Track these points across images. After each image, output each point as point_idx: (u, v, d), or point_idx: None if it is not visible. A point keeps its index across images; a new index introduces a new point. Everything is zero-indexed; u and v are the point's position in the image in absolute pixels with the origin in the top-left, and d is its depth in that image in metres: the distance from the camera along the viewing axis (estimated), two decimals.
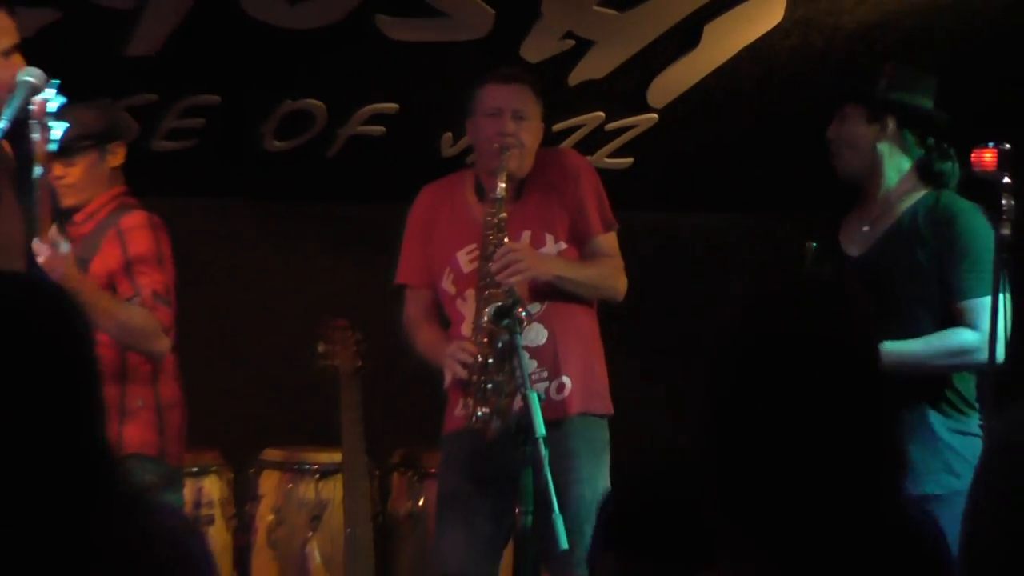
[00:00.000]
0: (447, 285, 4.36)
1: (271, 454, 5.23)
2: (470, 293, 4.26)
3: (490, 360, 4.05)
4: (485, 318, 4.04)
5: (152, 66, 5.10)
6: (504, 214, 4.20)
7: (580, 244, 4.37)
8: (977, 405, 3.92)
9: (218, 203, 5.81)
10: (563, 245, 4.33)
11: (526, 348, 4.00)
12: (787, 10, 5.38)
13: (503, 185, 4.21)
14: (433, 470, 4.81)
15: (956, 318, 3.84)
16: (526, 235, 4.29)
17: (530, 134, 4.30)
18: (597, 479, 4.18)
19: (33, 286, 2.13)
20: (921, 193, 3.99)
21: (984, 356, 3.76)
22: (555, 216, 4.34)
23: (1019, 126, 4.77)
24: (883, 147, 4.00)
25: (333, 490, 5.07)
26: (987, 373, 3.70)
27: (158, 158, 5.32)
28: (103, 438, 2.03)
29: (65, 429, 1.97)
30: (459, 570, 4.26)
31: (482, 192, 4.35)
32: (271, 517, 5.11)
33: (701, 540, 1.85)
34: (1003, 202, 3.62)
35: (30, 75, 3.33)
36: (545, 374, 4.23)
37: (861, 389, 1.77)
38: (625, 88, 5.62)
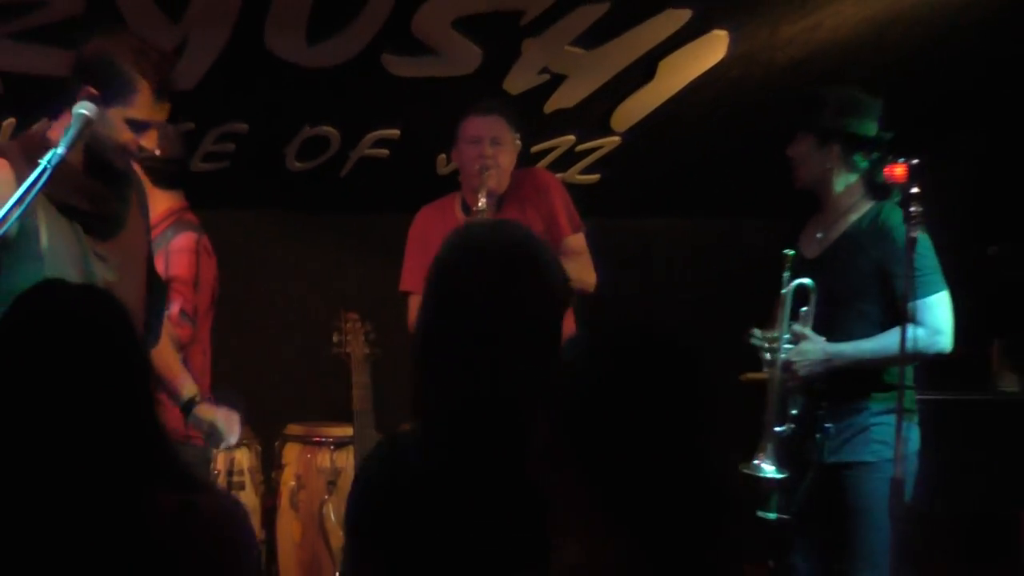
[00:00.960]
0: None
1: (293, 429, 5.45)
2: None
3: None
4: None
5: (190, 98, 5.14)
6: None
7: (554, 246, 4.45)
8: (914, 385, 4.10)
9: (248, 214, 6.08)
10: None
11: None
12: (729, 47, 5.59)
13: (484, 200, 4.49)
14: None
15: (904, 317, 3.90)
16: None
17: (506, 156, 4.58)
18: None
19: (93, 293, 2.30)
20: (867, 206, 4.14)
21: (931, 348, 4.00)
22: (530, 223, 4.21)
23: (936, 140, 5.44)
24: (831, 165, 4.16)
25: (346, 459, 5.25)
26: (907, 357, 3.84)
27: (197, 177, 5.46)
28: (157, 423, 2.19)
29: (121, 414, 2.11)
30: None
31: (467, 208, 4.60)
32: (293, 483, 5.32)
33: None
34: (912, 209, 3.78)
35: (84, 108, 3.31)
36: None
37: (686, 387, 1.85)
38: (592, 115, 5.85)
